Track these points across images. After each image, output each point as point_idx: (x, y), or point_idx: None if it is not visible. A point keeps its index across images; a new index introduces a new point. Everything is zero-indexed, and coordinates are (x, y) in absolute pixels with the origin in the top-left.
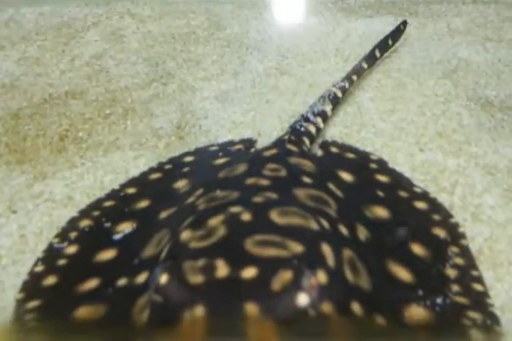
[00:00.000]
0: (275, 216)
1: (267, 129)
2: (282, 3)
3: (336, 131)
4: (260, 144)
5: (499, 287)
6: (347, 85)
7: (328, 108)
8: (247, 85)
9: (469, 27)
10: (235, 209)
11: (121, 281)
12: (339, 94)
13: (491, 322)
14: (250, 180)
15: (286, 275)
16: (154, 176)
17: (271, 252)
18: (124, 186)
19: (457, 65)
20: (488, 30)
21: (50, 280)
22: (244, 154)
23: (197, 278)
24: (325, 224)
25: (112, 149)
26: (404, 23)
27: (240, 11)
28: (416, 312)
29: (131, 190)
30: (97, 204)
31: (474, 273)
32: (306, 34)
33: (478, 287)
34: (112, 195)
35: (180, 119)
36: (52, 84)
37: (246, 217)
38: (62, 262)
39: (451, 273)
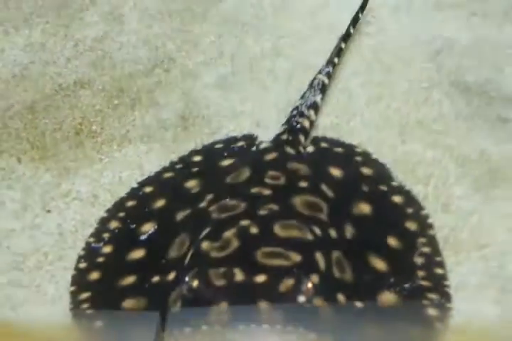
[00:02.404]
0: (278, 229)
1: (265, 119)
2: None
3: (328, 122)
4: (260, 136)
5: (458, 270)
6: (331, 69)
7: (318, 98)
8: (245, 69)
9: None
10: (244, 222)
11: (155, 279)
12: (326, 81)
13: (445, 300)
14: (254, 189)
15: (289, 281)
16: (167, 175)
17: (276, 262)
18: (141, 185)
19: (442, 46)
20: (474, 4)
21: (95, 276)
22: (246, 154)
23: (220, 282)
24: (317, 231)
25: (125, 143)
26: None
27: None
28: (387, 297)
29: (148, 189)
30: (121, 205)
31: (438, 259)
32: (300, 6)
33: (439, 271)
34: (133, 194)
35: (184, 109)
36: (61, 73)
37: (254, 230)
38: (101, 260)
39: (419, 260)
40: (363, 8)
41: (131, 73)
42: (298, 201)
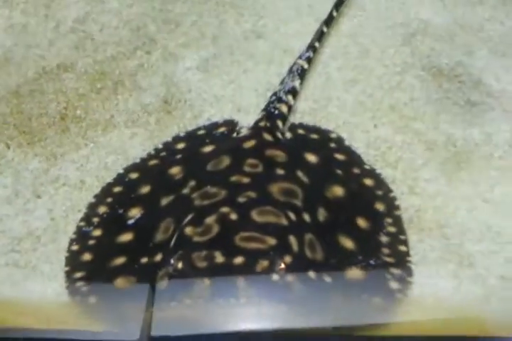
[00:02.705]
0: (255, 215)
1: (245, 104)
2: None
3: (306, 107)
4: (240, 121)
5: (420, 246)
6: (312, 54)
7: (297, 83)
8: (226, 52)
9: None
10: (224, 209)
11: (143, 260)
12: (306, 66)
13: (406, 275)
14: (234, 178)
15: (264, 262)
16: (152, 162)
17: (253, 245)
18: (127, 171)
19: (417, 28)
20: None
21: (87, 257)
22: (227, 141)
23: (202, 263)
24: (292, 216)
25: (109, 128)
26: None
27: None
28: (353, 273)
29: (134, 175)
30: (108, 191)
31: (402, 237)
32: None
33: (403, 248)
34: (119, 179)
35: (166, 93)
36: (44, 56)
37: (233, 216)
38: (92, 242)
39: (384, 239)
40: None
41: (113, 55)
42: (274, 188)
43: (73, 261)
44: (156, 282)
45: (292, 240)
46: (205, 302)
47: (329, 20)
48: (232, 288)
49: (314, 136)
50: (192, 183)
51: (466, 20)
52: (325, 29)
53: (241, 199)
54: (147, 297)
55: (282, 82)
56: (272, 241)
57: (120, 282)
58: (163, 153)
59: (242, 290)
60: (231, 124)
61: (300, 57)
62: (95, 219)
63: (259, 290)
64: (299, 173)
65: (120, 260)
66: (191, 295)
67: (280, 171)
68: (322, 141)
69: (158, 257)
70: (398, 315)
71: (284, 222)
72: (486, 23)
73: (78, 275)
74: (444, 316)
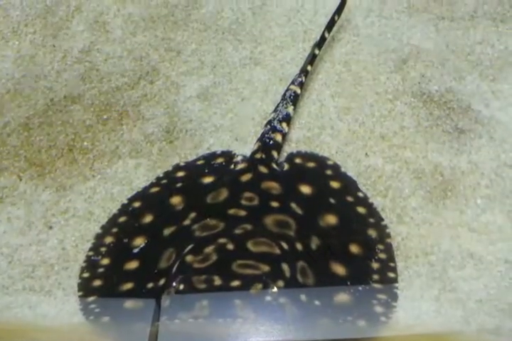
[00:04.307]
0: (251, 246)
1: (243, 133)
2: None
3: (301, 135)
4: (238, 149)
5: (405, 273)
6: (304, 79)
7: (290, 109)
8: (225, 80)
9: (427, 2)
10: (222, 240)
11: (149, 285)
12: (299, 91)
13: (391, 299)
14: (231, 211)
15: (258, 285)
16: (154, 190)
17: (248, 271)
18: (131, 201)
19: (409, 54)
20: (443, 7)
21: (98, 283)
22: (225, 173)
23: (201, 286)
24: (285, 246)
25: (115, 159)
26: None
27: None
28: (342, 298)
29: (137, 205)
30: (113, 221)
31: (391, 264)
32: (278, 11)
33: (391, 275)
34: (123, 210)
35: (169, 123)
36: (51, 87)
37: (230, 246)
38: (101, 270)
39: (375, 265)
40: (339, 12)
41: (118, 86)
42: (269, 220)
43: (85, 287)
44: (160, 302)
45: (285, 267)
46: (205, 320)
47: (321, 43)
48: (229, 308)
49: (311, 164)
50: (192, 215)
51: (457, 45)
52: (317, 52)
53: (238, 231)
54: (153, 315)
55: (276, 109)
56: (265, 267)
57: (129, 304)
58: (165, 181)
59: (239, 309)
60: (228, 155)
61: (293, 83)
62: (103, 249)
63: (254, 310)
64: (293, 205)
65: (128, 285)
66: (192, 314)
67: (275, 204)
68: (319, 168)
69: (162, 282)
70: (380, 337)
71: (277, 251)
72: (477, 47)
73: (91, 298)
74: (425, 338)
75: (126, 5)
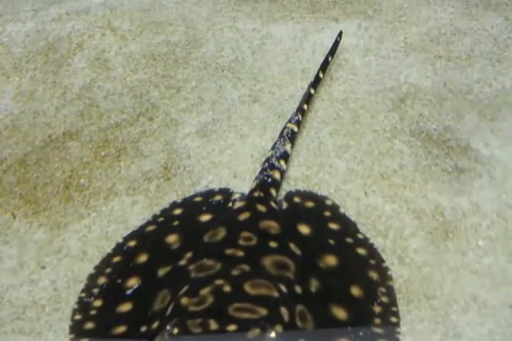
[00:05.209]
0: (248, 288)
1: (241, 170)
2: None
3: (299, 173)
4: (236, 186)
5: (407, 317)
6: (300, 117)
7: (288, 147)
8: (223, 116)
9: (424, 41)
10: (218, 282)
11: (142, 328)
12: (296, 129)
13: None
14: (229, 251)
15: (256, 330)
16: (150, 229)
17: (246, 315)
18: (126, 239)
19: (407, 93)
20: (440, 46)
21: (90, 325)
22: (223, 211)
23: (196, 330)
24: (283, 289)
25: (111, 197)
26: (340, 34)
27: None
28: None
29: (132, 244)
30: (107, 261)
31: (393, 309)
32: (277, 49)
33: (393, 319)
34: (118, 249)
35: (167, 160)
36: (50, 123)
37: (227, 289)
38: (93, 312)
39: (376, 309)
40: (332, 52)
41: (117, 122)
42: (267, 261)
43: (77, 329)
44: None
45: (283, 311)
46: None
47: (316, 83)
48: None
49: (310, 204)
50: (189, 255)
51: (455, 84)
52: (312, 91)
53: (235, 272)
54: None
55: (274, 147)
56: (263, 311)
57: None
58: (161, 219)
59: None
60: (226, 193)
61: (290, 121)
62: (95, 290)
63: None
64: (292, 245)
65: (121, 328)
66: None
67: (273, 244)
68: (317, 209)
69: (155, 324)
70: None
71: (276, 294)
72: (475, 86)
73: None
74: None
75: (127, 43)
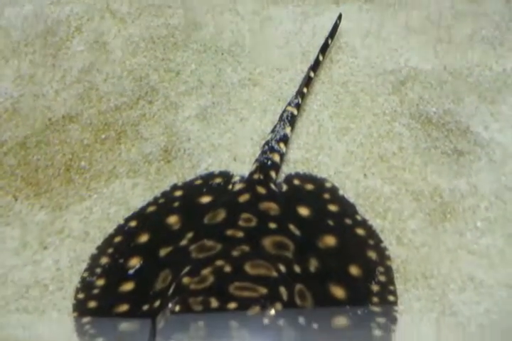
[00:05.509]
0: (248, 268)
1: (241, 153)
2: None
3: (299, 156)
4: (236, 169)
5: (405, 296)
6: (300, 101)
7: (288, 130)
8: (223, 100)
9: (425, 24)
10: (219, 262)
11: (144, 307)
12: (295, 112)
13: (390, 323)
14: (229, 232)
15: (255, 308)
16: (151, 210)
17: (246, 294)
18: (127, 220)
19: (407, 76)
20: (441, 29)
21: (93, 304)
22: (223, 193)
23: (198, 307)
24: (282, 268)
25: (112, 179)
26: (340, 17)
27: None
28: (340, 321)
29: (133, 224)
30: (109, 241)
31: (391, 288)
32: (277, 32)
33: (391, 298)
34: (119, 229)
35: (167, 143)
36: (50, 106)
37: (227, 269)
38: (96, 291)
39: (375, 288)
40: (332, 35)
41: (117, 106)
42: (267, 242)
43: (80, 308)
44: (155, 324)
45: (282, 290)
46: None
47: (316, 66)
48: (225, 330)
49: (309, 187)
50: (189, 235)
51: (456, 67)
52: (312, 74)
53: (235, 253)
54: (148, 337)
55: (273, 130)
56: (263, 290)
57: (124, 325)
58: (162, 200)
59: (235, 331)
60: (226, 176)
61: (289, 104)
62: (98, 270)
63: (251, 332)
64: (291, 226)
65: (123, 307)
66: (188, 335)
67: (273, 225)
68: (316, 192)
69: (157, 303)
70: None
71: (275, 274)
72: (475, 69)
73: (85, 320)
74: None
75: (126, 26)
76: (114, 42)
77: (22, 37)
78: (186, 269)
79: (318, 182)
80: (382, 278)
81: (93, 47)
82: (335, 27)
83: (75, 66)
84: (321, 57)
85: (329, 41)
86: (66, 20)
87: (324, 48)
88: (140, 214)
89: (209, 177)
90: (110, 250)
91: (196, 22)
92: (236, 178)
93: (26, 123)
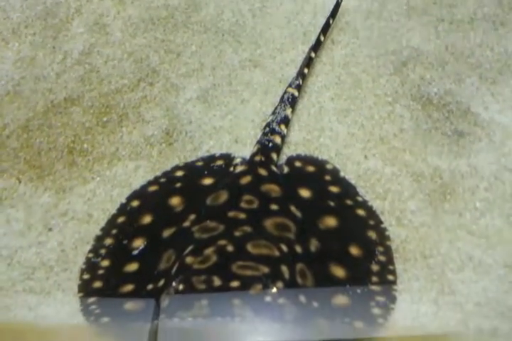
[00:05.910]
0: (250, 248)
1: (242, 135)
2: None
3: (300, 137)
4: (237, 151)
5: (404, 276)
6: (301, 82)
7: (289, 112)
8: (224, 82)
9: (426, 4)
10: (222, 242)
11: (149, 286)
12: (296, 94)
13: (390, 302)
14: (231, 213)
15: (258, 286)
16: (152, 189)
17: (248, 272)
18: (129, 200)
19: (408, 56)
20: (443, 10)
21: (98, 284)
22: (225, 175)
23: (201, 286)
24: (284, 248)
25: (115, 161)
26: None
27: None
28: (340, 300)
29: (135, 204)
30: (112, 222)
31: (391, 267)
32: (278, 12)
33: (390, 277)
34: (121, 209)
35: (168, 125)
36: (51, 89)
37: (230, 248)
38: (101, 272)
39: (374, 267)
40: (333, 15)
41: (118, 88)
42: (268, 223)
43: (85, 288)
44: (160, 302)
45: (284, 269)
46: (203, 319)
47: (317, 46)
48: (228, 307)
49: (310, 169)
50: (192, 217)
51: (457, 47)
52: (313, 55)
53: (237, 234)
54: (152, 315)
55: (274, 112)
56: (265, 269)
57: (128, 304)
58: (163, 180)
59: (238, 309)
60: (228, 158)
61: (290, 85)
62: (102, 251)
63: (253, 310)
64: (293, 208)
65: (128, 287)
66: (191, 313)
67: (274, 206)
68: (318, 173)
69: (161, 282)
70: (378, 337)
71: (277, 253)
72: (476, 49)
73: (91, 300)
74: (423, 340)
75: (126, 7)
76: (114, 23)
77: (22, 18)
78: (189, 249)
79: (319, 164)
80: (381, 258)
81: (93, 29)
82: (336, 6)
83: (76, 48)
84: (322, 38)
85: (331, 21)
86: (65, 1)
87: (326, 28)
88: (142, 194)
89: (210, 159)
90: (114, 231)
91: (196, 2)
92: (237, 160)
93: (28, 105)
